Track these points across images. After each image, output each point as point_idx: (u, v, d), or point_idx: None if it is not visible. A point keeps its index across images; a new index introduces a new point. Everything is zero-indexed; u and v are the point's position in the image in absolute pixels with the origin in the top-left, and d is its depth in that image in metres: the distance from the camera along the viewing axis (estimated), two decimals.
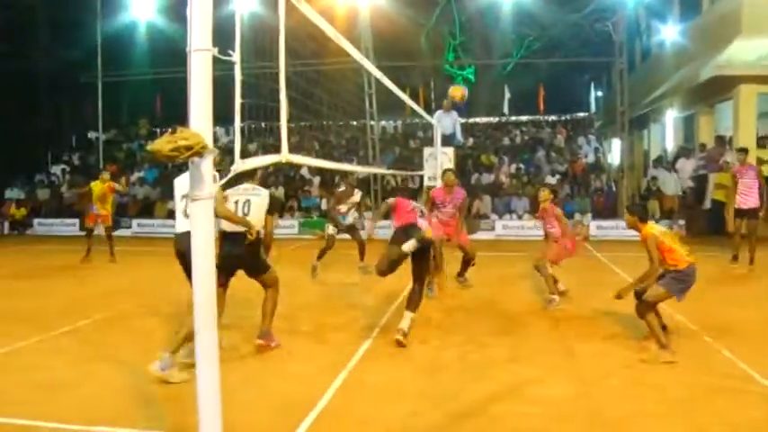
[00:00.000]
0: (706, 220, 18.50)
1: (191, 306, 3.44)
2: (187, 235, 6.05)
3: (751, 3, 17.83)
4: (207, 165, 3.38)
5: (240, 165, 3.92)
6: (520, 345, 6.93)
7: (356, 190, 12.54)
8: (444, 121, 15.84)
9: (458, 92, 15.28)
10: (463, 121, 25.20)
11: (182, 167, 4.24)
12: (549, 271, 8.92)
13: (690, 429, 4.64)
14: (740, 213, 12.21)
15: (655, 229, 6.49)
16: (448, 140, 15.17)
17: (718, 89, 18.64)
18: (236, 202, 6.52)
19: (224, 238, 6.41)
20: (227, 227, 6.38)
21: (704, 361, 6.23)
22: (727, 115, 19.75)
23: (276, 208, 6.85)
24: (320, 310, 8.82)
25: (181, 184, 6.32)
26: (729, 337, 6.99)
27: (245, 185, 6.65)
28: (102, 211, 13.88)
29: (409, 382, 5.72)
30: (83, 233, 15.49)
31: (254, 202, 6.57)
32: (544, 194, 9.49)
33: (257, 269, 6.66)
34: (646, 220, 6.60)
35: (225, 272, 6.29)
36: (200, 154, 3.23)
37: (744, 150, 12.76)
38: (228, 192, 6.50)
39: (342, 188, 12.59)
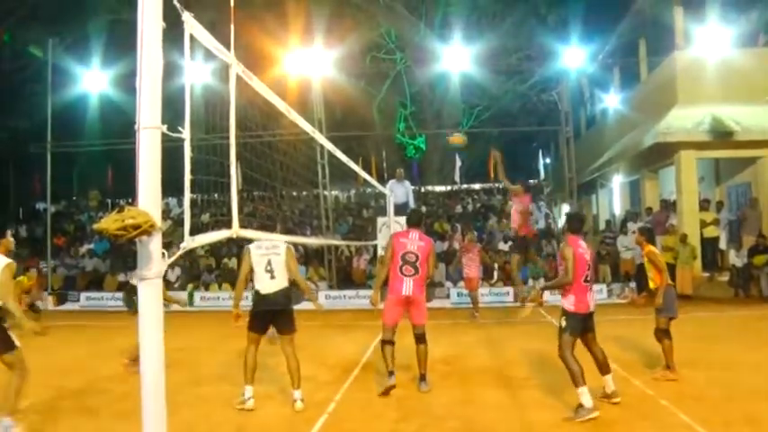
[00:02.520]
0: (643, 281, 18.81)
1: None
2: (274, 296, 7.08)
3: (684, 73, 18.75)
4: (155, 243, 3.33)
5: (190, 242, 3.88)
6: (476, 415, 6.85)
7: None
8: (397, 191, 16.05)
9: (458, 140, 16.72)
10: (414, 189, 25.56)
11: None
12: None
13: None
14: None
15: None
16: (401, 209, 15.32)
17: (660, 155, 19.27)
18: (269, 262, 7.18)
19: (256, 299, 7.17)
20: (264, 287, 7.13)
21: (663, 427, 6.27)
22: (670, 179, 20.38)
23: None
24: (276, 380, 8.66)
25: (255, 250, 7.22)
26: (686, 400, 7.04)
27: (261, 243, 7.26)
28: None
29: None
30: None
31: (276, 260, 7.24)
32: None
33: (288, 326, 7.31)
34: (651, 243, 8.34)
35: (259, 329, 7.27)
36: (148, 233, 3.19)
37: None
38: (253, 252, 7.21)
39: None
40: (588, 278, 6.80)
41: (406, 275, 7.70)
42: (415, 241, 7.86)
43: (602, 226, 25.04)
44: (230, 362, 9.75)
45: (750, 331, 11.92)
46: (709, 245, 18.28)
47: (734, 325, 12.63)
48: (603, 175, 25.10)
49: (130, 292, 10.29)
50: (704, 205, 18.71)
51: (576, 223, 7.20)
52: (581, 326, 6.82)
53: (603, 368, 7.00)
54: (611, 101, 26.78)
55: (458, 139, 19.05)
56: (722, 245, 18.94)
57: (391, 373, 7.71)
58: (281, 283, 7.25)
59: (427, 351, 8.01)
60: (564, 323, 6.79)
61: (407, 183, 17.84)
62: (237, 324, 7.30)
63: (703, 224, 18.40)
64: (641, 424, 6.35)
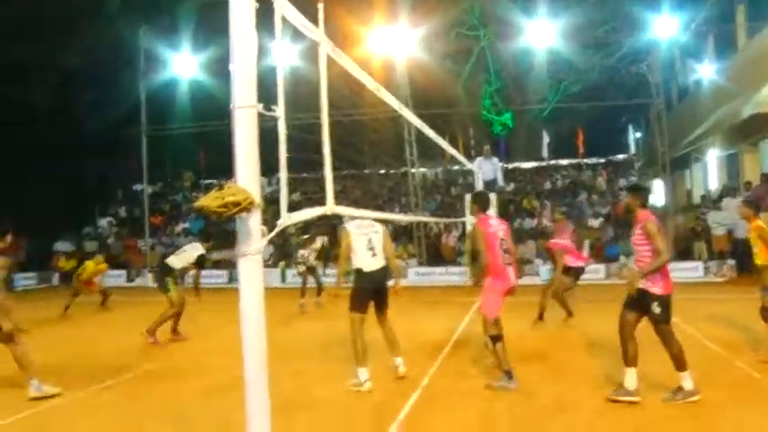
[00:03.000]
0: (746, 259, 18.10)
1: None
2: (377, 273, 7.28)
3: None
4: (255, 220, 3.39)
5: (287, 219, 3.95)
6: (566, 394, 6.71)
7: (318, 238, 14.73)
8: (485, 167, 15.90)
9: None
10: (503, 165, 25.21)
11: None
12: None
13: None
14: None
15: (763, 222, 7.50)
16: (489, 186, 15.18)
17: (760, 127, 18.38)
18: (369, 240, 7.38)
19: (360, 276, 7.31)
20: (366, 265, 7.27)
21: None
22: None
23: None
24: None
25: (354, 229, 7.40)
26: None
27: (360, 222, 7.50)
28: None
29: None
30: (130, 284, 16.18)
31: (376, 238, 7.42)
32: None
33: (386, 303, 7.54)
34: (757, 216, 7.65)
35: (362, 307, 7.29)
36: (247, 209, 3.24)
37: None
38: (353, 231, 7.37)
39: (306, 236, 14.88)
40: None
41: (508, 264, 7.17)
42: (500, 227, 7.32)
43: (696, 201, 24.22)
44: (312, 338, 9.99)
45: None
46: None
47: None
48: (698, 149, 24.12)
49: (163, 273, 10.71)
50: None
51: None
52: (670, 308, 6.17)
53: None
54: (706, 71, 25.65)
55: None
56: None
57: (510, 375, 7.01)
58: (381, 260, 7.39)
59: None
60: (659, 310, 6.09)
61: (495, 159, 17.69)
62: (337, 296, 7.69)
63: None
64: (744, 405, 6.07)
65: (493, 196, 14.42)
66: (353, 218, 7.49)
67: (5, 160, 24.03)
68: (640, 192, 6.50)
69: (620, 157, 31.83)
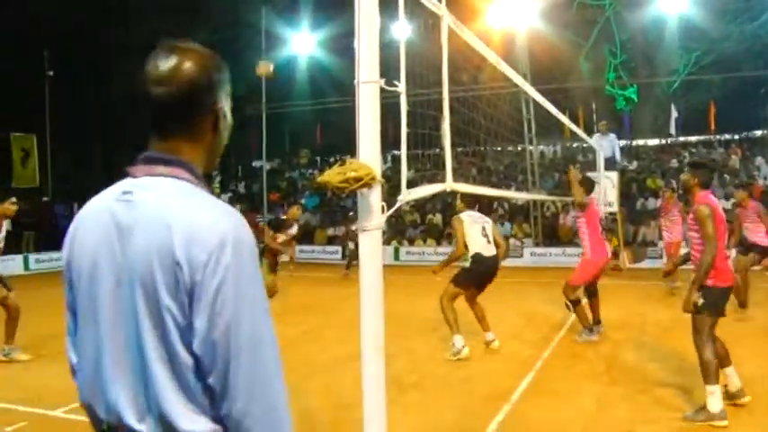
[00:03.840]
0: None
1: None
2: (492, 259, 7.86)
3: None
4: (376, 196, 3.32)
5: (407, 195, 3.88)
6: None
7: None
8: (603, 144, 15.35)
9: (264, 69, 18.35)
10: (625, 143, 24.29)
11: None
12: None
13: None
14: None
15: None
16: (607, 164, 14.66)
17: None
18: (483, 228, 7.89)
19: (479, 260, 7.75)
20: (484, 250, 7.74)
21: None
22: None
23: None
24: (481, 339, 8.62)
25: (467, 218, 7.88)
26: None
27: (471, 213, 7.98)
28: None
29: (574, 421, 5.43)
30: None
31: (488, 227, 7.95)
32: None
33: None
34: None
35: (469, 286, 7.86)
36: (369, 185, 3.18)
37: None
38: (466, 219, 7.84)
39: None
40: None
41: (605, 239, 8.39)
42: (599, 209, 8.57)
43: None
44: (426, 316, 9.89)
45: None
46: None
47: None
48: None
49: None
50: None
51: (708, 174, 5.63)
52: (722, 302, 5.41)
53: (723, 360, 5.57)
54: None
55: (264, 68, 18.57)
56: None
57: (591, 329, 8.30)
58: (493, 248, 7.91)
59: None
60: (701, 301, 5.28)
61: (612, 136, 17.19)
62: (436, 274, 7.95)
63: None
64: None
65: (614, 175, 13.93)
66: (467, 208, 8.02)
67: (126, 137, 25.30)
68: (701, 168, 5.65)
69: (758, 133, 29.89)
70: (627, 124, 30.66)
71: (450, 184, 4.61)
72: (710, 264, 5.19)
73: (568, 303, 8.26)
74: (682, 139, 29.52)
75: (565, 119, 11.43)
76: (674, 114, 27.63)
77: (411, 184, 4.11)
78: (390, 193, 3.94)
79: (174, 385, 1.35)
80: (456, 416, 5.42)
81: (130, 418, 1.39)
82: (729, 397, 5.59)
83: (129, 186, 1.45)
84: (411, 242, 21.33)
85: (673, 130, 28.17)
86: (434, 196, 22.38)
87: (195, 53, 1.52)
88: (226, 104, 1.59)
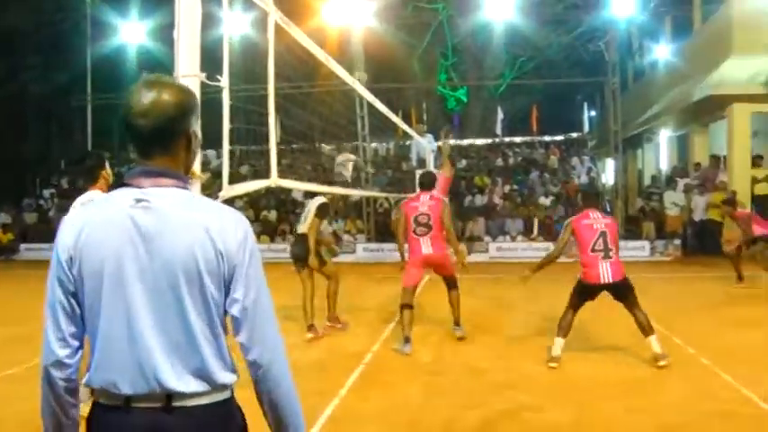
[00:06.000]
0: (698, 239, 18.45)
1: None
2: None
3: (741, 22, 17.81)
4: (195, 192, 3.22)
5: (228, 191, 3.82)
6: (516, 369, 6.75)
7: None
8: (421, 145, 15.88)
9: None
10: (455, 142, 25.17)
11: None
12: None
13: None
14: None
15: None
16: (423, 164, 15.22)
17: (712, 108, 18.59)
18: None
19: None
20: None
21: (701, 385, 6.08)
22: (720, 134, 19.70)
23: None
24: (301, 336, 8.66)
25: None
26: (728, 359, 6.77)
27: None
28: None
29: (401, 412, 5.52)
30: None
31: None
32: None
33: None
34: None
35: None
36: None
37: None
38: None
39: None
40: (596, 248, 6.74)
41: (420, 236, 7.90)
42: (426, 202, 8.00)
43: (647, 182, 24.51)
44: None
45: None
46: (759, 202, 17.68)
47: None
48: (650, 129, 24.37)
49: None
50: (756, 161, 18.09)
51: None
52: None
53: (645, 330, 6.77)
54: (662, 52, 25.87)
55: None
56: None
57: (407, 340, 7.59)
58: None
59: (459, 296, 8.22)
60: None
61: (430, 136, 17.80)
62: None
63: (755, 181, 17.82)
64: (679, 382, 6.19)
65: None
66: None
67: None
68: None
69: (574, 135, 31.96)
70: (456, 124, 31.83)
71: (275, 180, 4.59)
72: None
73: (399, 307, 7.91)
74: (507, 139, 31.00)
75: (395, 117, 11.64)
76: (500, 116, 29.00)
77: (244, 180, 4.05)
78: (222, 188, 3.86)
79: (212, 348, 1.79)
80: None
81: (172, 381, 1.74)
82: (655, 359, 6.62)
83: (141, 195, 1.78)
84: None
85: (499, 131, 29.57)
86: (269, 192, 22.20)
87: (171, 87, 1.85)
88: (196, 126, 1.93)
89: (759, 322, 8.96)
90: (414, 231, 7.92)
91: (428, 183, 8.32)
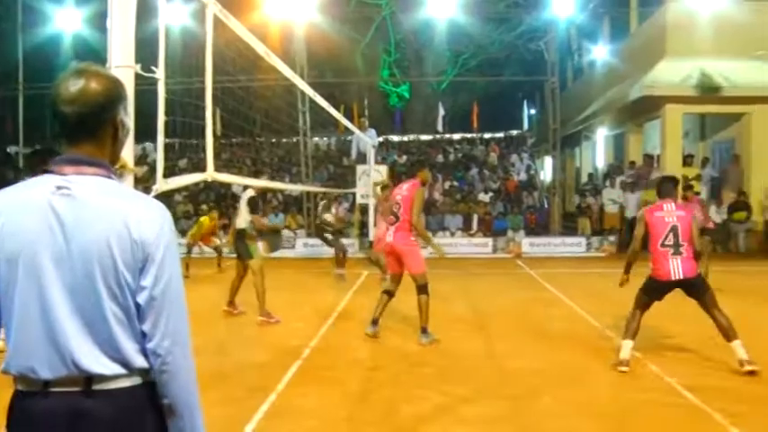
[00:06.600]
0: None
1: None
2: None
3: (674, 26, 18.43)
4: (128, 185, 3.18)
5: (163, 184, 3.75)
6: (451, 364, 6.83)
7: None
8: (364, 140, 15.96)
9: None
10: (399, 139, 25.30)
11: None
12: None
13: None
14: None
15: None
16: (362, 158, 15.35)
17: (646, 109, 19.12)
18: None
19: None
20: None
21: (630, 376, 6.27)
22: (654, 134, 20.28)
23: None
24: (251, 330, 8.62)
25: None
26: (655, 351, 7.06)
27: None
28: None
29: (339, 406, 5.54)
30: None
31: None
32: None
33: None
34: None
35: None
36: (120, 174, 3.03)
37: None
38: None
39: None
40: (666, 243, 6.44)
41: (389, 224, 7.88)
42: (401, 191, 7.88)
43: (584, 179, 25.03)
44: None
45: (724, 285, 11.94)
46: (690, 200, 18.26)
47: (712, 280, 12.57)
48: (588, 128, 24.93)
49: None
50: (687, 161, 18.67)
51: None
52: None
53: (727, 334, 6.35)
54: (600, 52, 26.47)
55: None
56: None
57: (374, 322, 7.89)
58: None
59: (426, 302, 7.74)
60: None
61: (373, 132, 17.91)
62: None
63: (685, 179, 18.38)
64: (609, 374, 6.39)
65: (383, 168, 14.55)
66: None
67: None
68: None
69: (514, 132, 32.38)
70: (398, 120, 31.95)
71: (211, 174, 4.54)
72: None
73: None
74: (447, 135, 31.24)
75: (335, 112, 11.61)
76: (442, 112, 29.17)
77: (184, 174, 4.00)
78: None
79: (127, 333, 1.79)
80: (220, 408, 5.29)
81: (90, 364, 1.75)
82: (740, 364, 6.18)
83: (62, 182, 1.79)
84: (183, 233, 20.69)
85: (440, 127, 29.76)
86: (208, 187, 21.92)
87: (99, 76, 1.88)
88: (125, 117, 1.94)
89: (685, 315, 9.21)
90: (387, 219, 8.08)
91: (410, 172, 8.50)
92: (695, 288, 6.44)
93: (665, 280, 6.42)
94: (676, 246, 6.37)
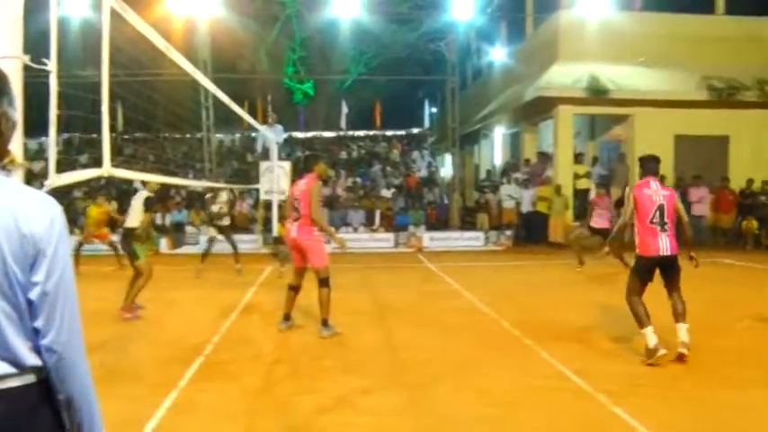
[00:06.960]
0: (526, 230, 19.76)
1: None
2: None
3: (566, 32, 19.39)
4: (17, 180, 3.19)
5: (55, 180, 3.75)
6: (351, 356, 6.98)
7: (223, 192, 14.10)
8: (270, 135, 16.01)
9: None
10: (303, 135, 25.32)
11: None
12: None
13: (513, 429, 4.92)
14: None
15: None
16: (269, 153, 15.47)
17: (540, 109, 19.93)
18: None
19: None
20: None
21: (524, 364, 6.60)
22: (548, 133, 21.15)
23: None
24: (153, 327, 8.59)
25: None
26: (547, 339, 7.43)
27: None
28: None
29: (239, 400, 5.60)
30: None
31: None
32: None
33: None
34: None
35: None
36: (7, 169, 3.05)
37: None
38: None
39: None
40: (654, 220, 6.58)
41: (293, 220, 7.83)
42: (299, 186, 7.89)
43: (483, 176, 25.74)
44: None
45: (610, 276, 12.60)
46: (580, 196, 19.18)
47: (596, 273, 13.24)
48: (486, 127, 25.65)
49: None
50: (578, 159, 19.57)
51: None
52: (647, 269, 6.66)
53: (678, 316, 6.61)
54: (498, 54, 27.25)
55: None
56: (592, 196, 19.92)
57: (286, 318, 8.11)
58: None
59: (328, 295, 7.83)
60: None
61: (280, 127, 17.97)
62: None
63: (576, 176, 19.28)
64: (504, 361, 6.68)
65: (287, 164, 14.63)
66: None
67: None
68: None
69: (415, 130, 32.99)
70: (302, 117, 31.96)
71: (107, 170, 4.52)
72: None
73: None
74: (350, 133, 31.52)
75: (238, 108, 11.63)
76: (345, 110, 29.42)
77: (83, 169, 3.97)
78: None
79: (19, 331, 1.74)
80: (121, 406, 5.23)
81: None
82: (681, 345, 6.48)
83: None
84: (82, 230, 20.14)
85: (343, 125, 29.99)
86: (109, 183, 21.35)
87: None
88: (9, 109, 1.86)
89: (576, 304, 9.81)
90: (290, 214, 7.99)
91: (305, 167, 8.26)
92: (674, 267, 6.60)
93: (655, 255, 6.53)
94: (662, 224, 6.53)
